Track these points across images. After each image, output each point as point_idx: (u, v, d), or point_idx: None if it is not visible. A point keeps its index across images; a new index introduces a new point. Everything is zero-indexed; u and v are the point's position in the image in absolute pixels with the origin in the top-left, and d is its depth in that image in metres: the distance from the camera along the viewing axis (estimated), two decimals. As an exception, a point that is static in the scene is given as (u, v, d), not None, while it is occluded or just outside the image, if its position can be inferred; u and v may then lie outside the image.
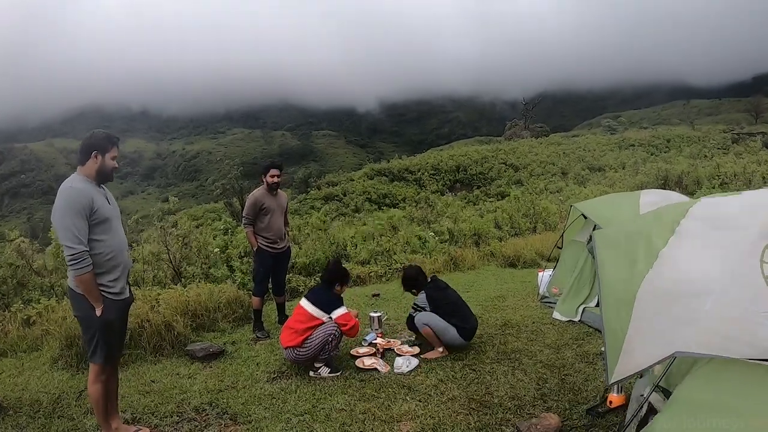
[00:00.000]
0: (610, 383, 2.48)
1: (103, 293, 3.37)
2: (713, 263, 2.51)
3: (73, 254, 3.20)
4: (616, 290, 2.76)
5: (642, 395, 3.18)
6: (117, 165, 3.55)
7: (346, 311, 4.89)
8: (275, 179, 6.05)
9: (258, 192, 6.05)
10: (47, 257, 8.35)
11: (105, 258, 3.37)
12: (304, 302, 4.93)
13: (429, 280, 5.49)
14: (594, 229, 6.38)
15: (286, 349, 4.74)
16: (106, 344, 3.43)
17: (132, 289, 3.85)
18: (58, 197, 3.29)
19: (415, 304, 5.35)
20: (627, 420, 3.17)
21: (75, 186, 3.33)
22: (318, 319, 4.77)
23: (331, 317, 4.79)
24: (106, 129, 3.73)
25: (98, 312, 3.32)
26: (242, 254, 9.62)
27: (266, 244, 6.03)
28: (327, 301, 4.88)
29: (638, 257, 2.76)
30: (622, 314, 2.60)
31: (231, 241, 10.44)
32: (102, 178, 3.50)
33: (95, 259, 3.33)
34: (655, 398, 3.07)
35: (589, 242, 6.51)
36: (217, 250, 9.10)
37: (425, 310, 5.16)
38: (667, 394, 2.42)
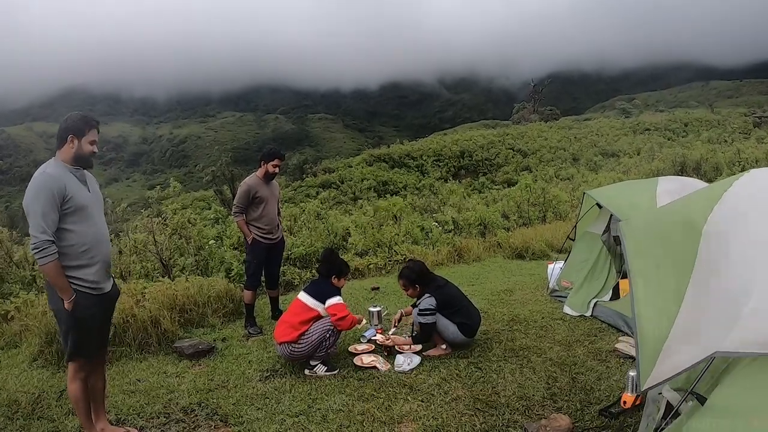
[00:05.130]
0: (643, 389, 2.43)
1: (76, 286, 3.32)
2: (756, 250, 2.47)
3: (35, 243, 3.17)
4: (652, 290, 2.72)
5: (660, 393, 3.16)
6: (96, 150, 3.49)
7: (341, 302, 4.84)
8: (277, 169, 6.04)
9: (252, 180, 6.01)
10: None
11: (80, 249, 3.33)
12: (301, 294, 4.94)
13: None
14: (610, 219, 6.36)
15: (280, 345, 4.72)
16: (81, 341, 3.40)
17: (116, 282, 3.83)
18: (30, 183, 3.26)
19: (420, 309, 5.11)
20: (642, 421, 3.16)
21: (47, 171, 3.29)
22: (313, 310, 4.75)
23: (325, 308, 4.78)
24: (89, 112, 3.68)
25: (67, 305, 3.28)
26: (236, 245, 9.60)
27: (260, 234, 6.01)
28: (323, 291, 4.87)
29: (677, 254, 2.71)
30: (662, 317, 2.55)
31: (224, 231, 10.41)
32: (80, 163, 3.45)
33: (69, 250, 3.29)
34: (672, 396, 3.05)
35: (604, 233, 6.49)
36: (213, 242, 9.08)
37: (433, 314, 5.06)
38: (701, 399, 2.38)
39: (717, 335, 2.26)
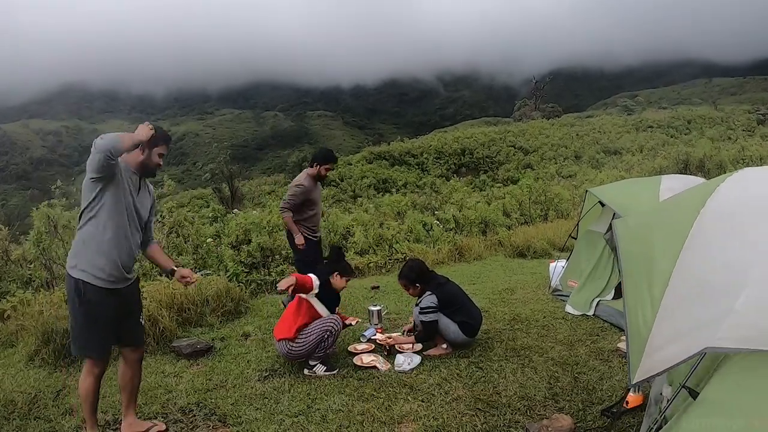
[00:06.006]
0: (633, 383, 2.44)
1: (89, 275, 3.32)
2: (746, 248, 2.47)
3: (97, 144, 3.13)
4: (641, 283, 2.73)
5: (661, 393, 3.16)
6: (161, 163, 3.61)
7: (310, 277, 4.75)
8: (329, 173, 6.19)
9: (307, 181, 6.07)
10: (28, 246, 8.33)
11: (108, 236, 3.34)
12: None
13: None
14: (613, 217, 6.36)
15: (278, 341, 4.72)
16: (90, 336, 3.41)
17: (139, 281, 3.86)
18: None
19: (422, 308, 5.09)
20: (644, 421, 3.16)
21: None
22: (304, 299, 4.74)
23: (316, 294, 4.77)
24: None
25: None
26: (234, 244, 9.59)
27: (309, 233, 6.14)
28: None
29: (664, 247, 2.72)
30: (647, 309, 2.57)
31: (223, 230, 10.40)
32: (142, 171, 3.56)
33: (95, 237, 3.32)
34: (671, 394, 3.05)
35: (607, 232, 6.48)
36: (210, 240, 9.08)
37: (435, 312, 5.05)
38: (693, 393, 2.39)
39: (707, 330, 2.27)
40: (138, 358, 3.79)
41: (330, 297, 4.93)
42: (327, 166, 6.07)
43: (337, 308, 5.06)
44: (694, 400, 2.34)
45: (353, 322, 5.31)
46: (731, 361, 2.30)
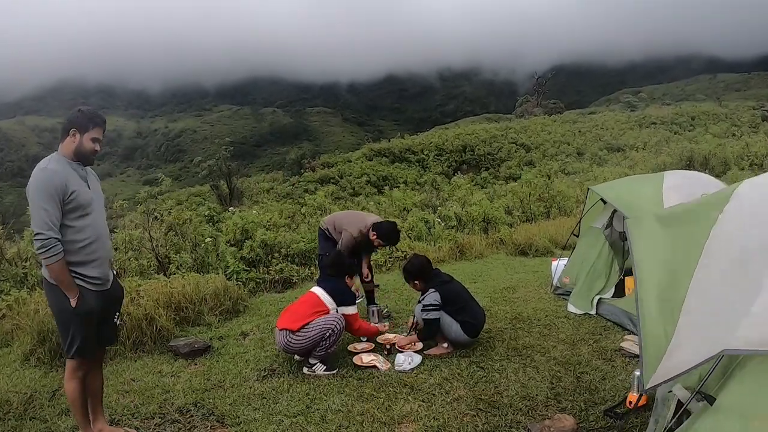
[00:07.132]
0: (646, 388, 2.43)
1: (78, 282, 3.33)
2: (761, 250, 2.46)
3: (42, 241, 3.17)
4: (658, 287, 2.71)
5: (671, 391, 3.15)
6: (98, 148, 3.49)
7: (356, 312, 5.05)
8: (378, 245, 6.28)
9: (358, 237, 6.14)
10: (25, 243, 8.33)
11: (81, 245, 3.33)
12: (315, 288, 5.05)
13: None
14: (613, 214, 6.36)
15: (280, 331, 4.73)
16: (82, 337, 3.39)
17: (119, 281, 3.85)
18: (31, 178, 3.25)
19: (424, 305, 5.08)
20: (650, 421, 3.16)
21: (49, 167, 3.29)
22: (326, 306, 4.85)
23: (338, 310, 4.88)
24: (82, 105, 3.69)
25: (73, 303, 3.29)
26: (232, 242, 9.58)
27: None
28: (339, 290, 5.01)
29: (683, 254, 2.71)
30: (666, 314, 2.55)
31: (221, 229, 10.39)
32: (80, 159, 3.45)
33: (71, 247, 3.30)
34: (683, 395, 3.04)
35: (606, 228, 6.48)
36: (209, 239, 9.07)
37: (437, 310, 5.04)
38: (710, 399, 2.37)
39: (724, 333, 2.25)
40: (102, 360, 3.86)
41: (346, 292, 5.11)
42: (379, 242, 6.15)
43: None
44: (711, 405, 2.33)
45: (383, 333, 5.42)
46: (749, 365, 2.28)
